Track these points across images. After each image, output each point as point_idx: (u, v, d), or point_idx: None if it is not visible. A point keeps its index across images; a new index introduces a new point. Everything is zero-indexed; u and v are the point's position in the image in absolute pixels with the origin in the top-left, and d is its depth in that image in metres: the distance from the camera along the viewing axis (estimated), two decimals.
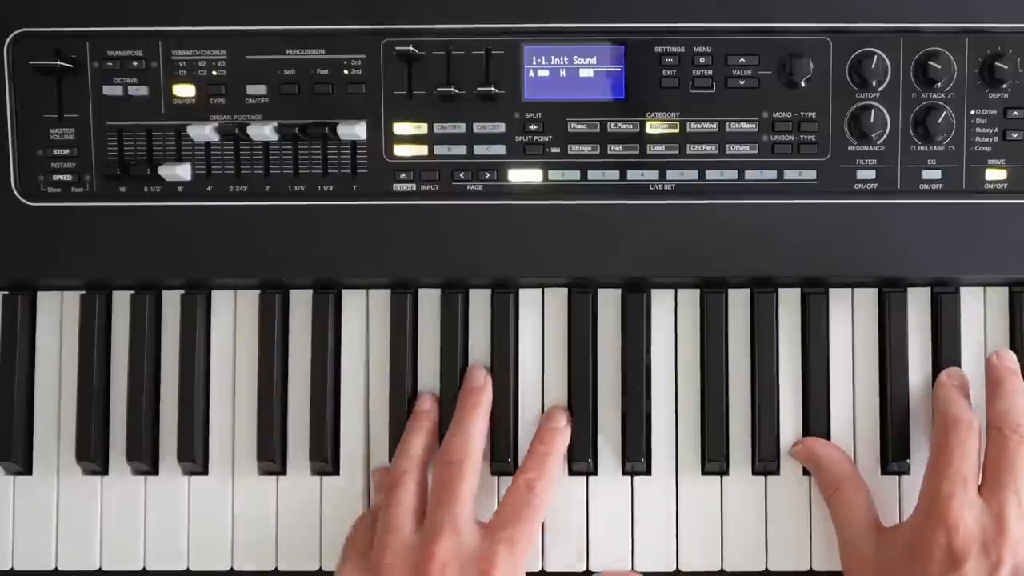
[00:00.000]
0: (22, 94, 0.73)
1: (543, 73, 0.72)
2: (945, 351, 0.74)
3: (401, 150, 0.73)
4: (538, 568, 0.73)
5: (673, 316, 0.75)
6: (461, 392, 0.74)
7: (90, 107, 0.73)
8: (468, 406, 0.72)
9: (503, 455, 0.73)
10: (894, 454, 0.73)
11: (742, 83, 0.72)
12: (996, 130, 0.71)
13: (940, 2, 0.71)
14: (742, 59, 0.71)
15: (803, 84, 0.71)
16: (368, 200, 0.73)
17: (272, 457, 0.74)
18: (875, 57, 0.71)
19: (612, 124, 0.72)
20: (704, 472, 0.74)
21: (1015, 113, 0.71)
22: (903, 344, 0.74)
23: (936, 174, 0.72)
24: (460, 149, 0.72)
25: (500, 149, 0.72)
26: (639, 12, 0.72)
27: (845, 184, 0.72)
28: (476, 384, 0.73)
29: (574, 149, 0.72)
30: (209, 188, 0.73)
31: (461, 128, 0.72)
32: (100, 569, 0.75)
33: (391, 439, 0.74)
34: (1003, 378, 0.70)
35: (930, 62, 0.70)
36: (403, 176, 0.73)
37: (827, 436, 0.73)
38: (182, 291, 0.76)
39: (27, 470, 0.76)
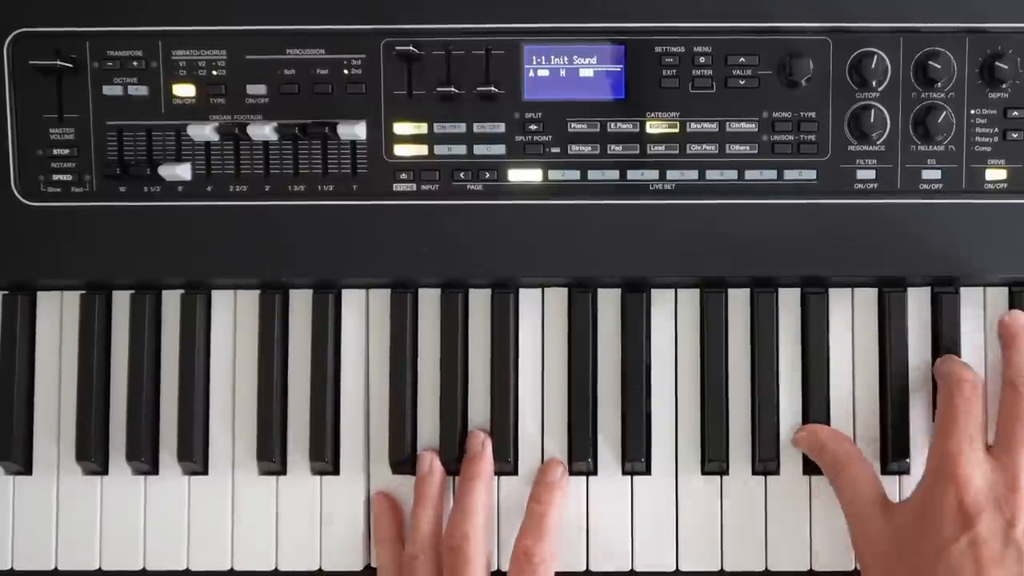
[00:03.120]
0: (22, 94, 0.73)
1: (543, 73, 0.72)
2: (945, 351, 0.73)
3: (401, 150, 0.73)
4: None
5: (673, 316, 0.75)
6: (463, 461, 0.73)
7: (90, 107, 0.73)
8: (467, 478, 0.72)
9: (503, 455, 0.73)
10: (894, 454, 0.73)
11: (742, 83, 0.72)
12: (996, 130, 0.71)
13: (940, 2, 0.71)
14: (742, 59, 0.71)
15: (803, 84, 0.71)
16: (368, 200, 0.73)
17: (272, 457, 0.74)
18: (875, 57, 0.71)
19: (612, 124, 0.72)
20: (704, 472, 0.74)
21: (1015, 113, 0.71)
22: (903, 344, 0.74)
23: (936, 174, 0.72)
24: (460, 149, 0.72)
25: (500, 149, 0.72)
26: (639, 12, 0.72)
27: (845, 184, 0.72)
28: (475, 452, 0.73)
29: (574, 149, 0.72)
30: (209, 188, 0.73)
31: (461, 128, 0.72)
32: (100, 569, 0.75)
33: (391, 439, 0.74)
34: (1017, 334, 0.70)
35: (930, 62, 0.70)
36: (403, 176, 0.73)
37: None
38: (182, 291, 0.76)
39: (27, 470, 0.76)
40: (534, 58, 0.72)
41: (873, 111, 0.71)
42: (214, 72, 0.73)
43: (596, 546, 0.74)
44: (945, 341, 0.73)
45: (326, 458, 0.74)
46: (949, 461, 0.65)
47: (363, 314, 0.76)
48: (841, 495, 0.71)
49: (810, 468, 0.73)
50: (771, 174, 0.72)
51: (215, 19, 0.72)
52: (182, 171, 0.72)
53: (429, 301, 0.76)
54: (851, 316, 0.75)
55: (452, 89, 0.72)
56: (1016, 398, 0.67)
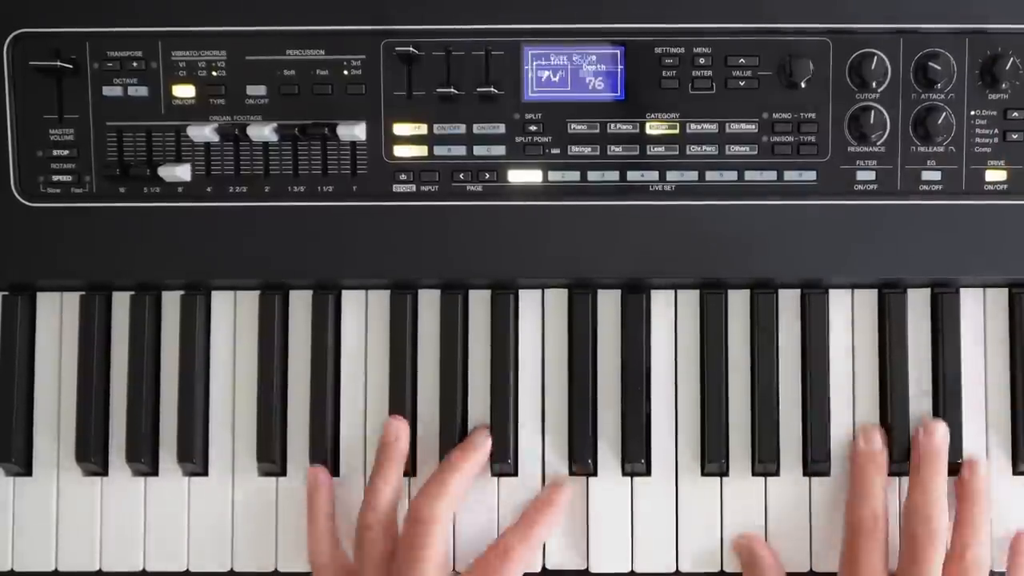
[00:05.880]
0: (22, 94, 0.73)
1: (543, 73, 0.72)
2: (945, 351, 0.73)
3: (401, 151, 0.73)
4: (538, 568, 0.73)
5: (673, 316, 0.75)
6: (458, 446, 0.73)
7: (90, 107, 0.73)
8: (456, 458, 0.71)
9: (503, 456, 0.73)
10: (894, 455, 0.73)
11: (742, 84, 0.72)
12: (996, 131, 0.71)
13: (940, 2, 0.71)
14: (742, 60, 0.71)
15: (803, 85, 0.71)
16: (368, 201, 0.73)
17: (272, 457, 0.74)
18: (875, 58, 0.71)
19: (612, 125, 0.72)
20: (704, 473, 0.74)
21: (1015, 114, 0.71)
22: (903, 344, 0.74)
23: (936, 175, 0.72)
24: (460, 150, 0.72)
25: (500, 150, 0.72)
26: (639, 12, 0.71)
27: (845, 185, 0.72)
28: (475, 443, 0.73)
29: (574, 150, 0.72)
30: (209, 189, 0.73)
31: (461, 129, 0.72)
32: (100, 570, 0.75)
33: None
34: (922, 461, 0.70)
35: (930, 63, 0.70)
36: (403, 177, 0.73)
37: (826, 437, 0.73)
38: (182, 291, 0.76)
39: (27, 471, 0.76)
40: (534, 58, 0.72)
41: (873, 112, 0.71)
42: (214, 73, 0.73)
43: (596, 546, 0.74)
44: (945, 341, 0.73)
45: (326, 459, 0.74)
46: None
47: (363, 315, 0.76)
48: None
49: (810, 469, 0.73)
50: (771, 175, 0.72)
51: (215, 19, 0.72)
52: (182, 172, 0.72)
53: (429, 302, 0.76)
54: (851, 316, 0.75)
55: (452, 90, 0.72)
56: (911, 540, 0.68)
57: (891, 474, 0.73)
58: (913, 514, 0.68)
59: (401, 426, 0.73)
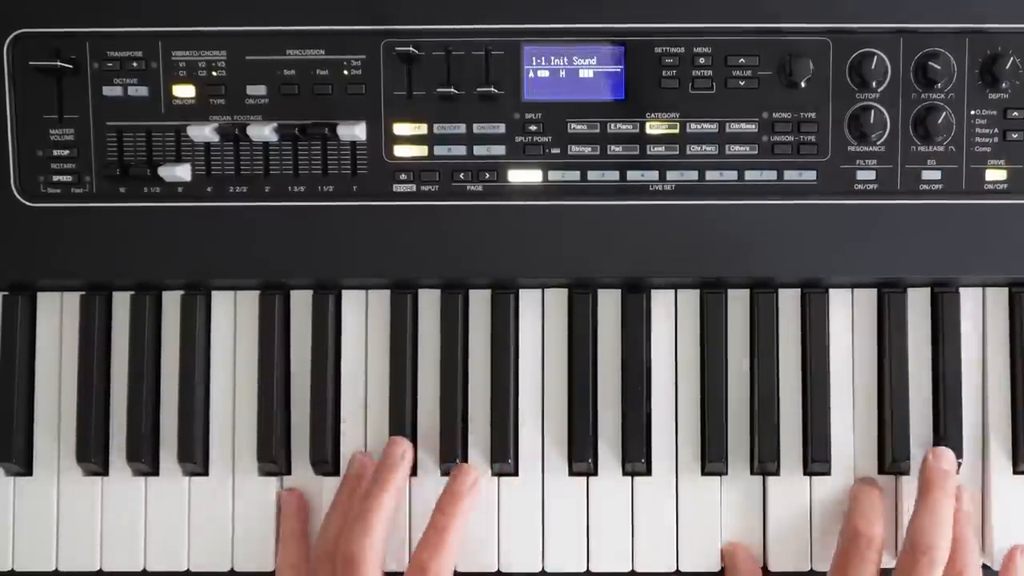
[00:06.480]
0: (22, 94, 0.73)
1: (543, 73, 0.72)
2: (945, 351, 0.73)
3: (401, 151, 0.73)
4: (538, 568, 0.73)
5: (673, 316, 0.75)
6: (377, 467, 0.72)
7: (90, 107, 0.73)
8: (375, 485, 0.70)
9: (503, 456, 0.73)
10: (894, 454, 0.73)
11: (742, 83, 0.72)
12: (996, 130, 0.71)
13: (940, 2, 0.71)
14: (742, 59, 0.71)
15: (803, 84, 0.71)
16: (368, 201, 0.73)
17: (272, 457, 0.74)
18: (875, 57, 0.71)
19: (612, 124, 0.72)
20: (704, 472, 0.74)
21: (1015, 113, 0.71)
22: (903, 344, 0.74)
23: (936, 174, 0.72)
24: (460, 150, 0.72)
25: (500, 150, 0.72)
26: (639, 12, 0.72)
27: (845, 184, 0.72)
28: (392, 461, 0.72)
29: (574, 150, 0.72)
30: (209, 189, 0.73)
31: (461, 128, 0.72)
32: (100, 570, 0.75)
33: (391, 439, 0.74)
34: (932, 485, 0.69)
35: (930, 62, 0.70)
36: (403, 177, 0.73)
37: (827, 436, 0.73)
38: (182, 291, 0.76)
39: (27, 471, 0.76)
40: (534, 58, 0.72)
41: (873, 112, 0.71)
42: (214, 72, 0.73)
43: (596, 546, 0.74)
44: (945, 341, 0.73)
45: (326, 458, 0.74)
46: None
47: (363, 314, 0.76)
48: None
49: (810, 469, 0.73)
50: (771, 175, 0.72)
51: (215, 19, 0.72)
52: (182, 172, 0.72)
53: (429, 301, 0.76)
54: (851, 316, 0.75)
55: (452, 90, 0.72)
56: (911, 562, 0.66)
57: (890, 473, 0.73)
58: (918, 539, 0.66)
59: (364, 461, 0.73)
